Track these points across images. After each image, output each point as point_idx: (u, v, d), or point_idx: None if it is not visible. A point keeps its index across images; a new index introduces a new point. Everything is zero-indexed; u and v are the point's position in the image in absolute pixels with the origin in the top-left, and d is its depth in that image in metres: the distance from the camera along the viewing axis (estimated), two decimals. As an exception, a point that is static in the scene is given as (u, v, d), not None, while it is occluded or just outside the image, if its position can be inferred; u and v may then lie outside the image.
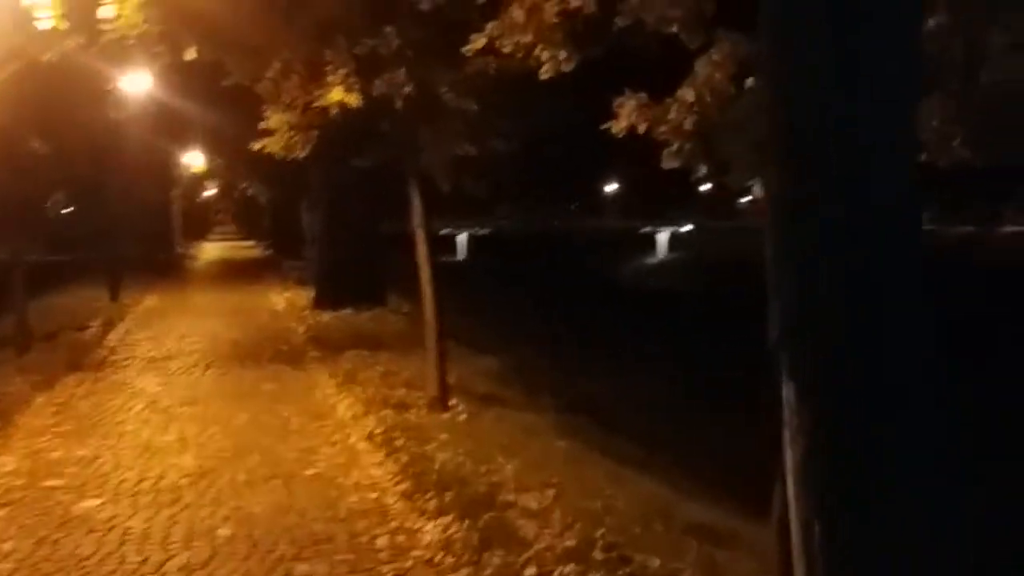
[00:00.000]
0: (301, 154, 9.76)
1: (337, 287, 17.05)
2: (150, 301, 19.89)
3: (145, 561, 5.19)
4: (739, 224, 56.30)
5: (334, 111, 8.50)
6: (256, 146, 9.97)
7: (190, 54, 7.99)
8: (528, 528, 5.33)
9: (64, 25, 7.69)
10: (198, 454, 7.44)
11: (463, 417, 8.36)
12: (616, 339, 18.05)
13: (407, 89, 8.11)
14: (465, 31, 6.72)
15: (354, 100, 8.33)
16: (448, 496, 5.86)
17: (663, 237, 65.12)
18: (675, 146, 5.67)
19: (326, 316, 15.75)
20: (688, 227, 64.83)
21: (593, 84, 6.97)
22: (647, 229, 65.16)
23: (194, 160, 33.66)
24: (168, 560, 5.19)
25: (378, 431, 7.75)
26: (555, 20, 5.94)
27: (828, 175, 2.64)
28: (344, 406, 9.06)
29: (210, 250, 46.46)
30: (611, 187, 72.00)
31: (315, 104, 8.64)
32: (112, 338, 14.25)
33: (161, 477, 6.80)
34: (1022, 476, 8.33)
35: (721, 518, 6.45)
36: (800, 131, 2.69)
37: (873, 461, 2.67)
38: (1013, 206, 50.75)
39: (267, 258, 34.41)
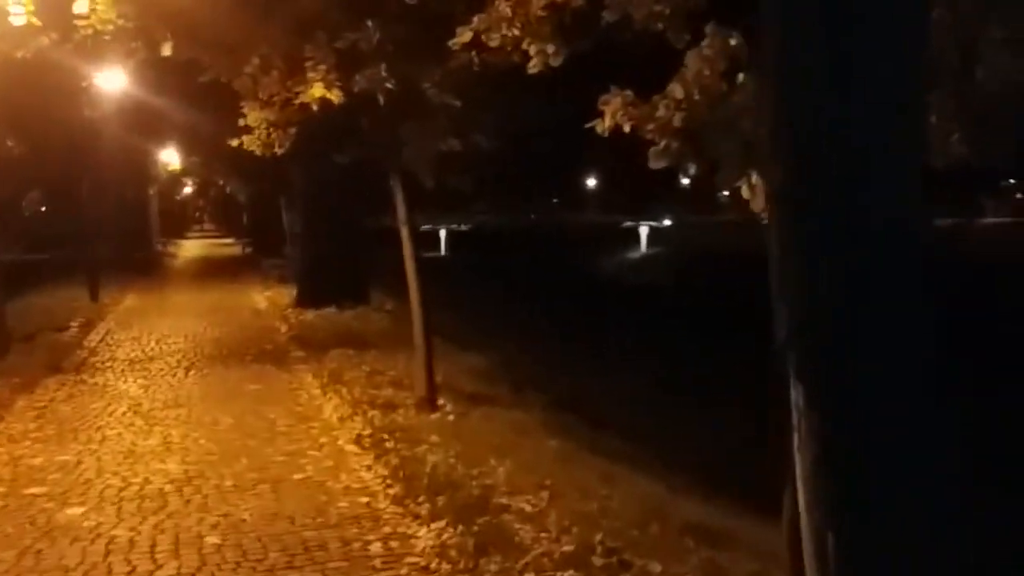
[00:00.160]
0: (280, 151, 9.66)
1: (319, 285, 16.82)
2: (130, 301, 19.69)
3: (132, 572, 5.07)
4: (719, 219, 56.37)
5: (314, 107, 8.38)
6: (234, 143, 9.85)
7: (166, 50, 7.86)
8: (524, 532, 5.24)
9: (38, 21, 7.55)
10: (183, 459, 7.30)
11: (452, 417, 8.26)
12: (599, 334, 18.02)
13: (389, 85, 7.99)
14: (448, 25, 6.63)
15: (335, 96, 8.21)
16: (441, 500, 5.76)
17: (643, 232, 65.30)
18: (662, 144, 5.56)
19: (309, 314, 15.58)
20: (667, 222, 65.00)
21: (579, 79, 6.88)
22: (628, 224, 65.24)
23: (171, 158, 33.41)
24: (156, 571, 5.07)
25: (366, 433, 7.66)
26: (542, 13, 5.86)
27: (827, 175, 2.62)
28: (330, 407, 8.95)
29: (189, 248, 46.17)
30: (591, 182, 72.01)
31: (295, 100, 8.53)
32: (92, 339, 14.05)
33: (146, 483, 6.66)
34: (1022, 476, 8.32)
35: (716, 516, 6.40)
36: (796, 132, 2.68)
37: (881, 466, 2.63)
38: (995, 197, 51.21)
39: (247, 256, 34.15)
